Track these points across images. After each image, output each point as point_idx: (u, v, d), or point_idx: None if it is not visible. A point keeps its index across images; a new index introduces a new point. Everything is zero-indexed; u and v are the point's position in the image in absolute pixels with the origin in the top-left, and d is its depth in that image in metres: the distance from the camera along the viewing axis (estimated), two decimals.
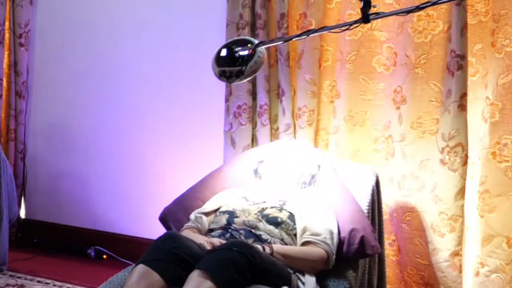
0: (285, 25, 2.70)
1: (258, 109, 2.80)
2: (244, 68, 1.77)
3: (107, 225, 3.35)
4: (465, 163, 2.42)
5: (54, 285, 2.84)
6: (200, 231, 2.14)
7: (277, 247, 1.96)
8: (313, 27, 2.65)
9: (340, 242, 2.12)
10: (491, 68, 2.34)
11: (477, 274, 2.38)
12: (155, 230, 2.26)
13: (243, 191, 2.28)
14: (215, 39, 2.82)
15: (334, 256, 2.06)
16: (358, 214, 2.19)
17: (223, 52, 1.82)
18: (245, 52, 1.79)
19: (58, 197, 3.48)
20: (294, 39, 1.77)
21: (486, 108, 2.36)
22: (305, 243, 2.04)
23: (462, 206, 2.43)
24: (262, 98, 2.78)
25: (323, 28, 1.72)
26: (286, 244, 2.03)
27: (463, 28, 2.36)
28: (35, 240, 3.47)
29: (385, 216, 2.56)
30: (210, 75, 1.88)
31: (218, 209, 2.21)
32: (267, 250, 1.91)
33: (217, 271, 1.67)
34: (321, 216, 2.13)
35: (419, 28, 2.48)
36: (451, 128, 2.42)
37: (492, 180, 2.34)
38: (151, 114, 3.22)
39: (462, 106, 2.40)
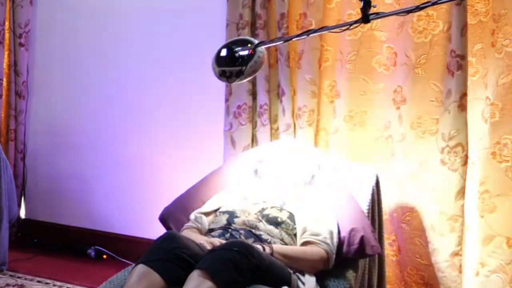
0: (285, 25, 2.70)
1: (258, 109, 2.80)
2: (244, 68, 1.77)
3: (107, 225, 3.35)
4: (465, 163, 2.42)
5: (54, 285, 2.84)
6: (200, 231, 2.14)
7: (277, 247, 1.96)
8: (313, 27, 2.65)
9: (340, 242, 2.11)
10: (491, 68, 2.34)
11: (477, 274, 2.38)
12: (155, 230, 2.25)
13: (243, 191, 2.28)
14: (215, 39, 2.82)
15: (334, 256, 2.06)
16: (358, 214, 2.19)
17: (223, 52, 1.82)
18: (245, 52, 1.79)
19: (58, 197, 3.48)
20: (294, 39, 1.77)
21: (486, 108, 2.35)
22: (305, 243, 2.04)
23: (462, 206, 2.43)
24: (262, 98, 2.78)
25: (323, 28, 1.72)
26: (286, 244, 2.03)
27: (463, 28, 2.36)
28: (35, 240, 3.47)
29: (385, 216, 2.56)
30: (210, 75, 1.88)
31: (218, 209, 2.20)
32: (267, 250, 1.91)
33: (217, 271, 1.67)
34: (321, 216, 2.13)
35: (419, 28, 2.48)
36: (451, 128, 2.41)
37: (492, 180, 2.34)
38: (151, 114, 3.21)
39: (462, 106, 2.40)
